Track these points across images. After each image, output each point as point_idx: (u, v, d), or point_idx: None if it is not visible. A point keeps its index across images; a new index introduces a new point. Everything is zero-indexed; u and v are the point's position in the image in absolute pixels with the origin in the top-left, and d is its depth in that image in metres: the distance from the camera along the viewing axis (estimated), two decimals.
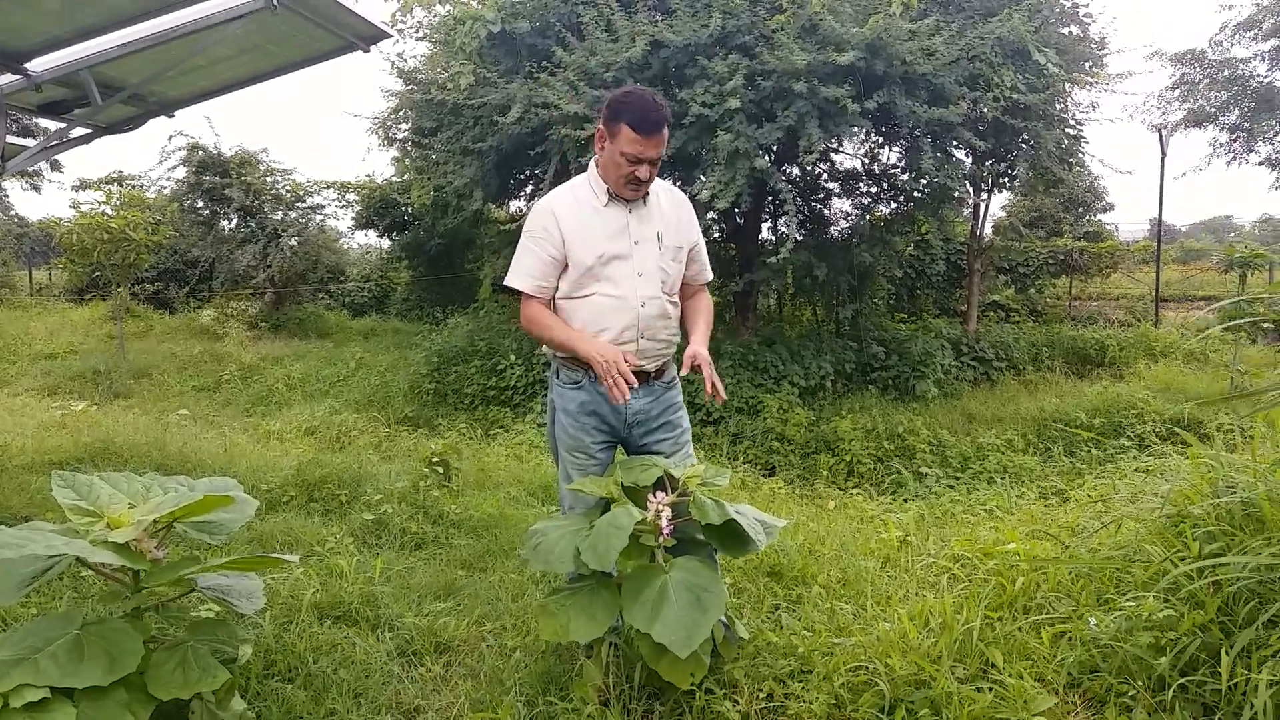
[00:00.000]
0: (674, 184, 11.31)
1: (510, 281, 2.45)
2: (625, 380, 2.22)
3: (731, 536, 2.31)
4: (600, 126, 2.38)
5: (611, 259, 2.40)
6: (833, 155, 10.00)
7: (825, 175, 10.37)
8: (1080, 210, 17.25)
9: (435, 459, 4.77)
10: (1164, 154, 14.54)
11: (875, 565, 3.31)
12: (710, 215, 8.50)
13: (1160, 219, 15.56)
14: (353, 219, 17.13)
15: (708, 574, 2.19)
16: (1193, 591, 2.07)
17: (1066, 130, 9.14)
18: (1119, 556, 2.45)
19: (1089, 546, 2.66)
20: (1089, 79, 8.87)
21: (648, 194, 2.45)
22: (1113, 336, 11.90)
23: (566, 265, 2.41)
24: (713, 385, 2.37)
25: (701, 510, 2.22)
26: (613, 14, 7.64)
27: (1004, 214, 16.24)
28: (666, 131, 2.37)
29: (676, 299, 2.55)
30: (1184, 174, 43.92)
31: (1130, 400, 8.46)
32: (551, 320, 2.42)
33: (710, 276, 2.71)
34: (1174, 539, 2.30)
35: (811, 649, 2.43)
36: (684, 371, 2.44)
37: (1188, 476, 2.56)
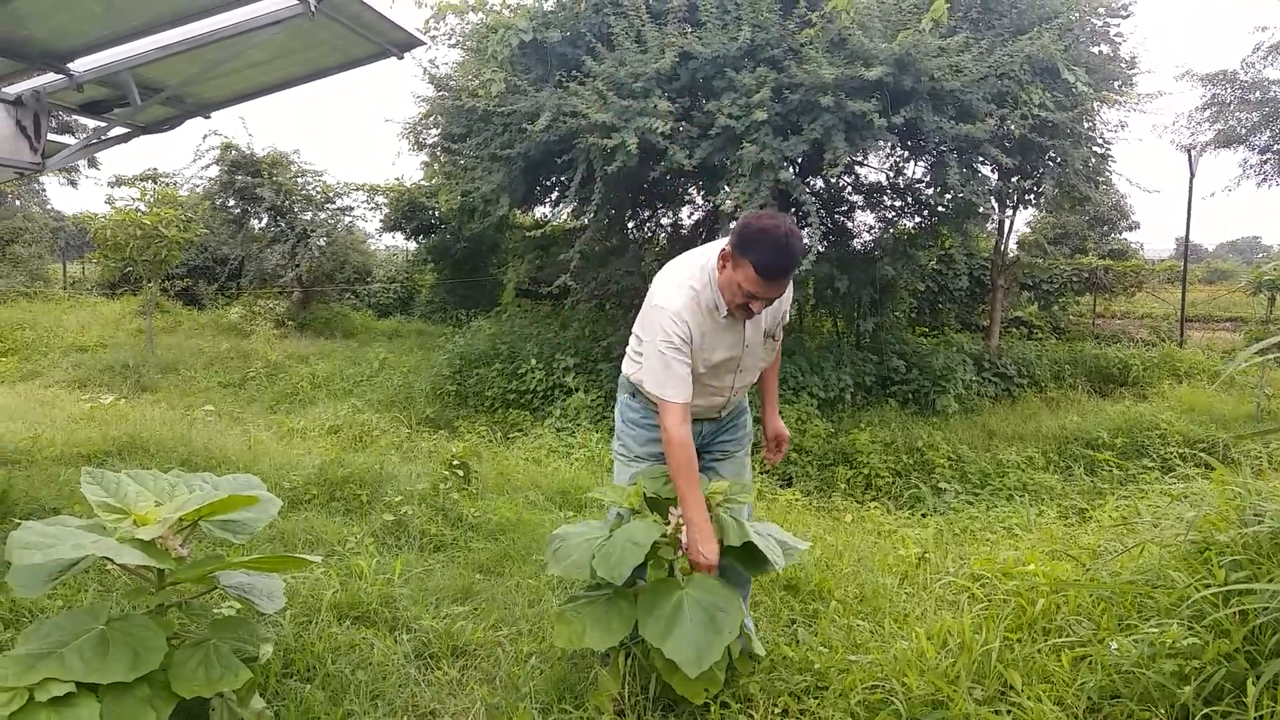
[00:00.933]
0: (699, 195, 11.12)
1: (667, 396, 2.36)
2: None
3: (750, 555, 2.32)
4: (728, 247, 2.29)
5: (723, 362, 2.47)
6: (857, 168, 9.96)
7: (849, 188, 10.35)
8: (1105, 228, 17.09)
9: (455, 461, 4.80)
10: (1193, 174, 14.40)
11: (893, 582, 3.30)
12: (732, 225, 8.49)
13: (1187, 238, 15.35)
14: (381, 221, 17.38)
15: (725, 593, 2.19)
16: (1218, 620, 2.04)
17: (1094, 148, 9.05)
18: (1141, 581, 2.42)
19: (1110, 569, 2.63)
20: (1118, 98, 8.79)
21: None
22: (1136, 356, 11.76)
23: None
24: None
25: (722, 529, 2.23)
26: (643, 25, 7.68)
27: (1029, 230, 16.11)
28: (794, 273, 2.31)
29: None
30: (1212, 194, 43.67)
31: (1154, 421, 8.35)
32: (691, 467, 2.31)
33: (785, 324, 2.74)
34: (1199, 565, 2.27)
35: (828, 665, 2.43)
36: (776, 454, 2.84)
37: (1213, 503, 2.53)
